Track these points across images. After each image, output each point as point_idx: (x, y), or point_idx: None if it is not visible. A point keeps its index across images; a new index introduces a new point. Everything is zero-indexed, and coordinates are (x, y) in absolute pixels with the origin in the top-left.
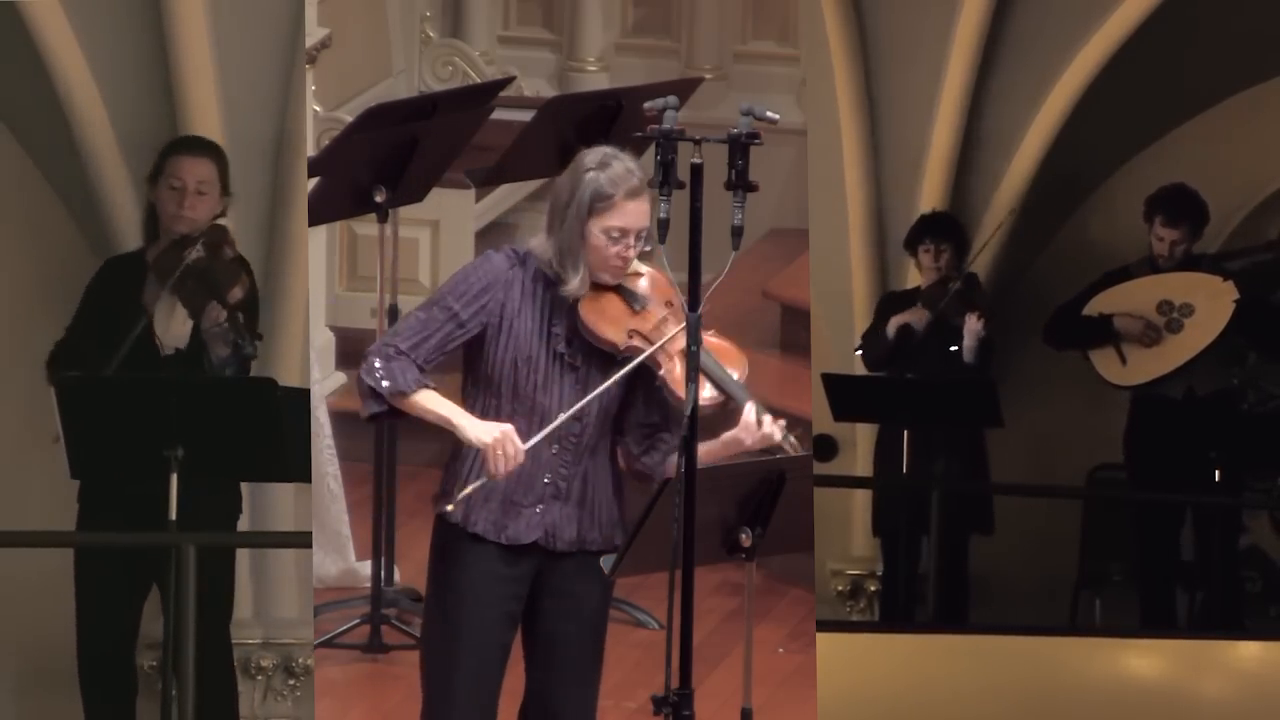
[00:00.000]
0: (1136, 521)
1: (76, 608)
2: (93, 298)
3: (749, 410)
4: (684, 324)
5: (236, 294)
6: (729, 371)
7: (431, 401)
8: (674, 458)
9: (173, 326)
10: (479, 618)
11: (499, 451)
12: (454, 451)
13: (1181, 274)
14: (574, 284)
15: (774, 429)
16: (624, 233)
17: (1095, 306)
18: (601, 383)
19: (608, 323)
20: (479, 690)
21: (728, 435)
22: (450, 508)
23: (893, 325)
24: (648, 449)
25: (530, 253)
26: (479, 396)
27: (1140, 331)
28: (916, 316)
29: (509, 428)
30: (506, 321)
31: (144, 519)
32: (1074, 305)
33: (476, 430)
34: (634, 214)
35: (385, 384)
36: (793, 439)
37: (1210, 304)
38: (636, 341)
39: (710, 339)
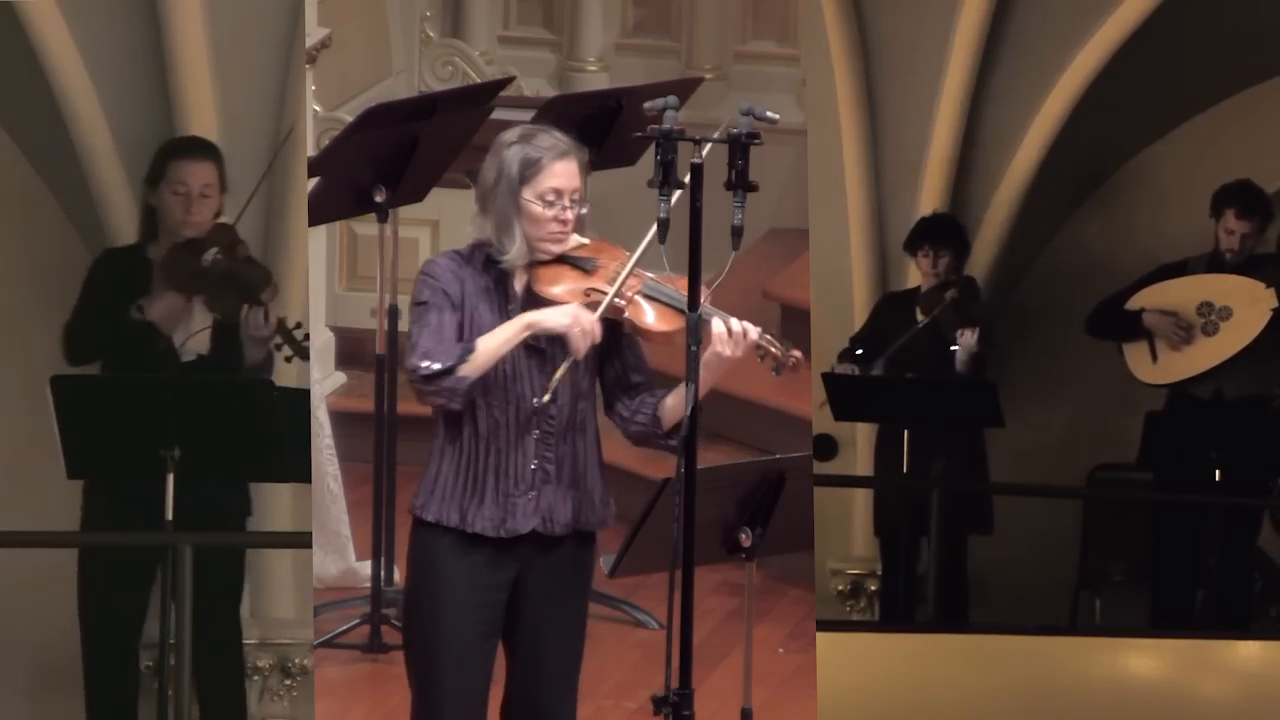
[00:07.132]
0: (1156, 521)
1: (79, 604)
2: (95, 286)
3: (716, 324)
4: (633, 260)
5: (269, 295)
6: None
7: (493, 339)
8: (668, 408)
9: (194, 332)
10: (464, 624)
11: (578, 329)
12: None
13: (1227, 276)
14: (513, 252)
15: (747, 327)
16: (559, 194)
17: (1139, 300)
18: (568, 360)
19: (564, 290)
20: (469, 692)
21: (707, 356)
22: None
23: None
24: (638, 410)
25: (476, 244)
26: None
27: (1169, 328)
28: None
29: (573, 305)
30: (468, 315)
31: (148, 518)
32: (1119, 296)
33: (555, 317)
34: (564, 174)
35: (451, 362)
36: (769, 336)
37: (1249, 309)
38: (595, 298)
39: (662, 276)
